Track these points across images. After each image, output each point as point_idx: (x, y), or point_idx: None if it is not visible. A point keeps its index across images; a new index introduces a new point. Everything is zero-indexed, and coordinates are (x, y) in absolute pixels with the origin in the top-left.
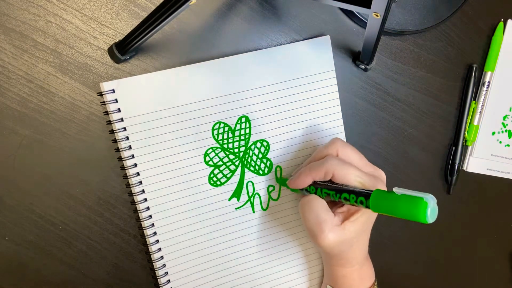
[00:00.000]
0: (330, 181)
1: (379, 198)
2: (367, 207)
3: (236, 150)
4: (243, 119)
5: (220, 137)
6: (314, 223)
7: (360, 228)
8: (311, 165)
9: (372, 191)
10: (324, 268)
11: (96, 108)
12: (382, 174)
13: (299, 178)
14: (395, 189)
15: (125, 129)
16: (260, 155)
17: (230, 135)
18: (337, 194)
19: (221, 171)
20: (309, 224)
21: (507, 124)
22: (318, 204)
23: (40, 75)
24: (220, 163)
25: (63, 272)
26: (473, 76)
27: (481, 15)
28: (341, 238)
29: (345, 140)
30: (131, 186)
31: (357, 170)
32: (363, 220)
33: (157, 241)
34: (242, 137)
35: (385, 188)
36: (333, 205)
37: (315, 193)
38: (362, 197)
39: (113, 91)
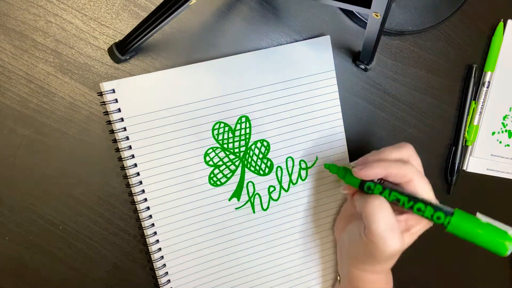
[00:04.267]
0: (395, 185)
1: (460, 219)
2: (441, 224)
3: (236, 150)
4: (243, 119)
5: (220, 137)
6: (387, 228)
7: (412, 242)
8: (390, 162)
9: (451, 210)
10: (346, 271)
11: (96, 108)
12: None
13: (372, 168)
14: (479, 215)
15: (125, 129)
16: (261, 155)
17: (230, 135)
18: (409, 201)
19: (221, 171)
20: (380, 228)
21: (507, 124)
22: (390, 209)
23: (40, 75)
24: (220, 163)
25: (63, 272)
26: (473, 76)
27: (481, 15)
28: (401, 248)
29: (345, 140)
30: (131, 186)
31: (430, 186)
32: (417, 235)
33: (157, 241)
34: (242, 137)
35: None
36: None
37: (380, 194)
38: (441, 212)
39: (113, 91)
